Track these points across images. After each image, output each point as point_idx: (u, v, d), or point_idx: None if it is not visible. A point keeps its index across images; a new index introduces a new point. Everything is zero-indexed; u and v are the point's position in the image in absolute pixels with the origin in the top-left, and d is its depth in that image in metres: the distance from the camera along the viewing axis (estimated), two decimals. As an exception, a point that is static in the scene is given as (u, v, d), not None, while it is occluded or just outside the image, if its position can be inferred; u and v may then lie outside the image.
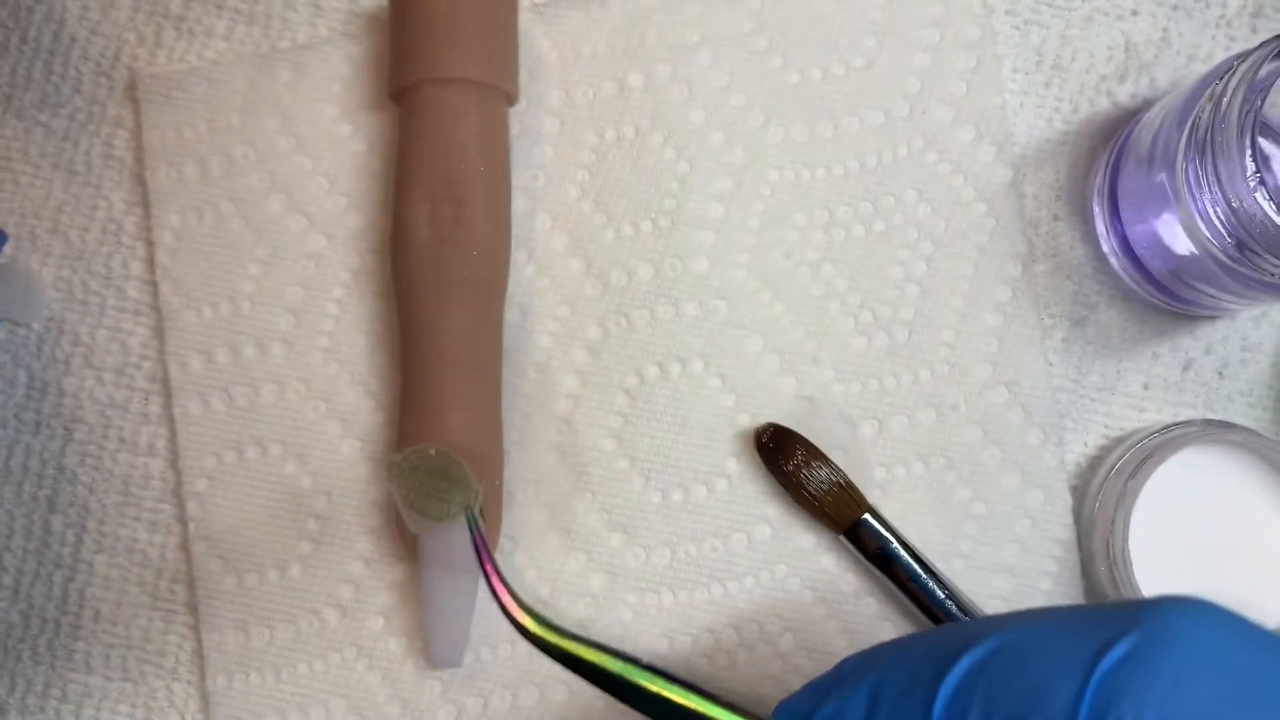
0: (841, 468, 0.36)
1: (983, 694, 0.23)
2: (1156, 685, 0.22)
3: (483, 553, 0.26)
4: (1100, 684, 0.22)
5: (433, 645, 0.35)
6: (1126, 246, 0.36)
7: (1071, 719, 0.22)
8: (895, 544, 0.36)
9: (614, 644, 0.36)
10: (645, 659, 0.26)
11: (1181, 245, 0.33)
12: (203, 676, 0.37)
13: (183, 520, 0.37)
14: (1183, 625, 0.23)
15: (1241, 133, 0.30)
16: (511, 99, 0.36)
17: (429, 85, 0.35)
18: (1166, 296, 0.36)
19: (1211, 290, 0.34)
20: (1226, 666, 0.22)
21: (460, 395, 0.35)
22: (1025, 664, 0.23)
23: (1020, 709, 0.23)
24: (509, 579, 0.37)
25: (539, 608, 0.37)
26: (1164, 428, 0.36)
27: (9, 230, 0.38)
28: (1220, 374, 0.38)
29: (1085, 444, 0.37)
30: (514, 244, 0.38)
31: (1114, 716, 0.22)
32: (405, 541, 0.34)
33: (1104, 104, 0.38)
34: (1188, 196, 0.32)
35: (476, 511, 0.27)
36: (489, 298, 0.36)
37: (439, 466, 0.28)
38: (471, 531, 0.26)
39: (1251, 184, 0.30)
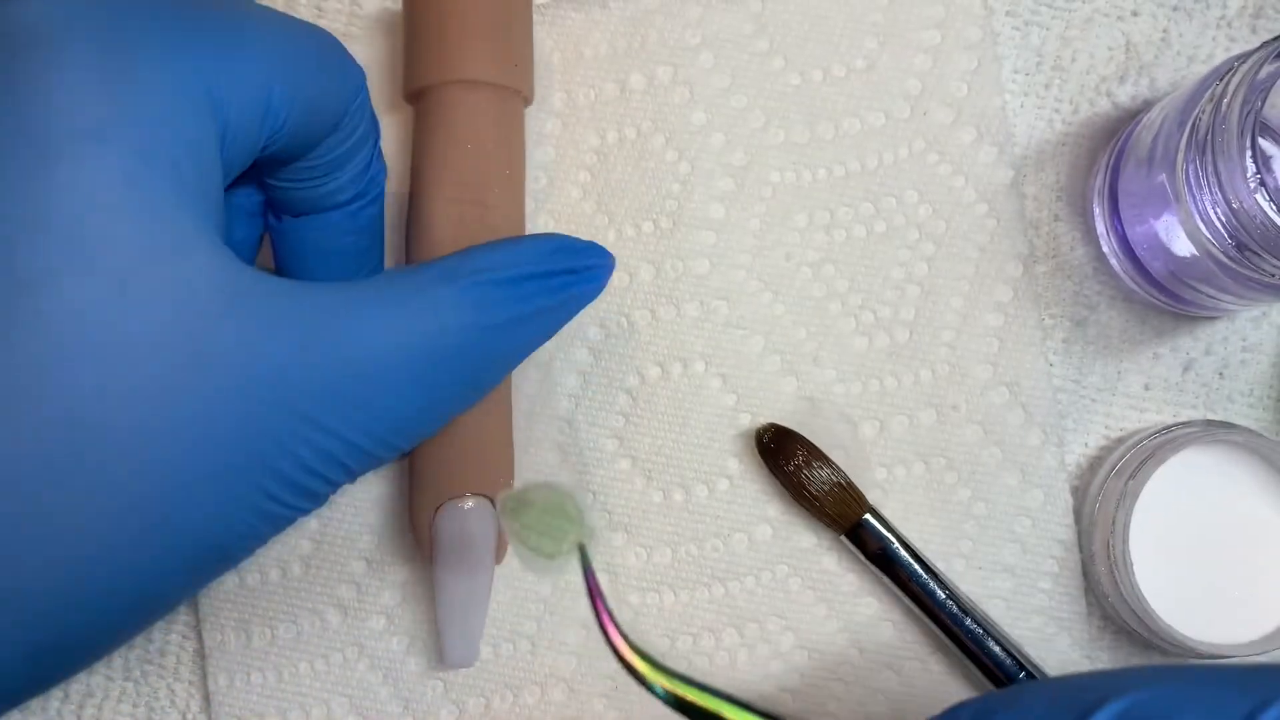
0: (842, 468, 0.36)
1: None
2: None
3: (595, 593, 0.26)
4: None
5: (447, 645, 0.34)
6: (1127, 247, 0.36)
7: None
8: (896, 544, 0.36)
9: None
10: (760, 704, 0.26)
11: (1182, 246, 0.33)
12: (204, 676, 0.37)
13: (185, 520, 0.37)
14: None
15: (1242, 133, 0.30)
16: (528, 101, 0.36)
17: (453, 87, 0.34)
18: (1167, 297, 0.36)
19: (1212, 291, 0.34)
20: None
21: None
22: (1172, 716, 0.22)
23: None
24: (506, 578, 0.37)
25: (539, 607, 0.37)
26: (1164, 428, 0.36)
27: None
28: (1221, 374, 0.38)
29: (1086, 444, 0.37)
30: (516, 245, 0.38)
31: None
32: (419, 540, 0.34)
33: (1104, 105, 0.38)
34: (1188, 197, 0.32)
35: (590, 548, 0.27)
36: None
37: (554, 503, 0.27)
38: (584, 571, 0.26)
39: (1252, 185, 0.30)
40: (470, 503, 0.33)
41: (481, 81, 0.34)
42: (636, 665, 0.25)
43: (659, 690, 0.25)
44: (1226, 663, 0.24)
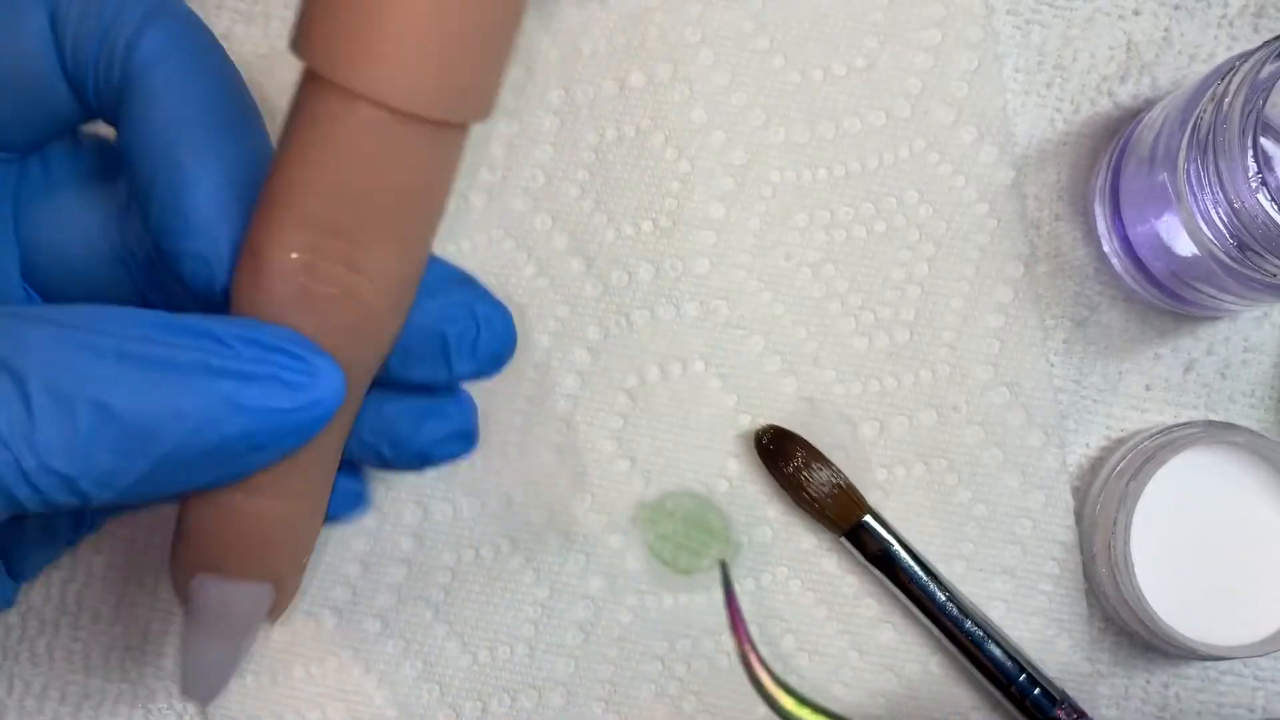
0: (842, 469, 0.36)
1: None
2: None
3: (736, 617, 0.24)
4: None
5: (185, 681, 0.28)
6: (1128, 247, 0.36)
7: None
8: (896, 546, 0.36)
9: (615, 645, 0.37)
10: None
11: (1183, 246, 0.33)
12: (201, 678, 0.37)
13: (181, 521, 0.37)
14: None
15: (1243, 133, 0.30)
16: (482, 119, 0.25)
17: (352, 101, 0.23)
18: (1168, 297, 0.36)
19: (1213, 291, 0.34)
20: None
21: (284, 484, 0.26)
22: None
23: None
24: (504, 579, 0.37)
25: (537, 610, 0.37)
26: (1165, 429, 0.36)
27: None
28: (1222, 375, 0.37)
29: (1087, 445, 0.37)
30: (513, 243, 0.38)
31: None
32: (174, 587, 0.27)
33: (1105, 104, 0.38)
34: (1189, 197, 0.31)
35: (732, 567, 0.25)
36: (355, 384, 0.25)
37: (696, 515, 0.25)
38: (725, 589, 0.24)
39: (1253, 184, 0.30)
40: (240, 585, 0.26)
41: (403, 112, 0.23)
42: (780, 699, 0.23)
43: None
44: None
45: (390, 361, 0.27)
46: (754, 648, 0.23)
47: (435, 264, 0.28)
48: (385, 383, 0.28)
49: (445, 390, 0.30)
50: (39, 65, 0.26)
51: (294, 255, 0.24)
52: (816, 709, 0.24)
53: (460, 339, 0.28)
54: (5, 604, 0.29)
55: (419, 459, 0.30)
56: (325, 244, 0.24)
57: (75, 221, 0.28)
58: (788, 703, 0.24)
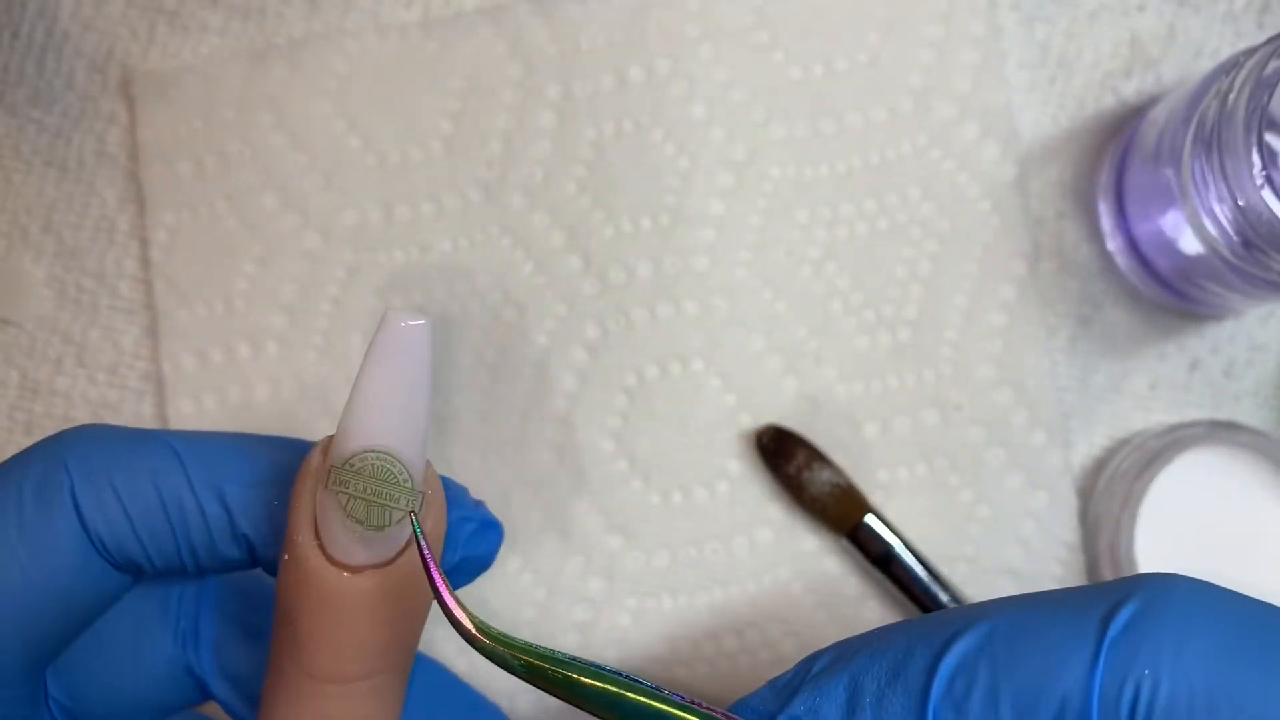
0: (844, 469, 0.36)
1: (986, 671, 0.23)
2: (1168, 639, 0.22)
3: (429, 560, 0.24)
4: (1113, 644, 0.22)
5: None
6: (1133, 245, 0.36)
7: (1088, 683, 0.22)
8: (898, 546, 0.35)
9: (614, 647, 0.36)
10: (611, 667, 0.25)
11: (1188, 243, 0.33)
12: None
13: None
14: (1178, 593, 0.23)
15: (1248, 129, 0.29)
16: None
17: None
18: (1173, 295, 0.36)
19: (1218, 289, 0.34)
20: (1231, 616, 0.22)
21: None
22: (1030, 638, 0.23)
23: (1030, 681, 0.22)
24: (501, 580, 0.36)
25: (535, 611, 0.36)
26: (1170, 428, 0.36)
27: (1, 229, 0.38)
28: (1227, 374, 0.37)
29: (1091, 444, 0.37)
30: (511, 241, 0.37)
31: (1133, 675, 0.22)
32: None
33: (1110, 100, 0.38)
34: (1194, 194, 0.31)
35: (420, 514, 0.25)
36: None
37: (383, 470, 0.25)
38: (416, 538, 0.25)
39: (1258, 181, 0.30)
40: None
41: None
42: (481, 639, 0.23)
43: (515, 663, 0.24)
44: (1069, 588, 0.25)
45: None
46: (450, 590, 0.23)
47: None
48: None
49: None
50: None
51: None
52: (516, 644, 0.23)
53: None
54: None
55: (459, 568, 0.29)
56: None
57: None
58: (485, 639, 0.23)
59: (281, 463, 0.26)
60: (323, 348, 0.37)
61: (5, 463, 0.25)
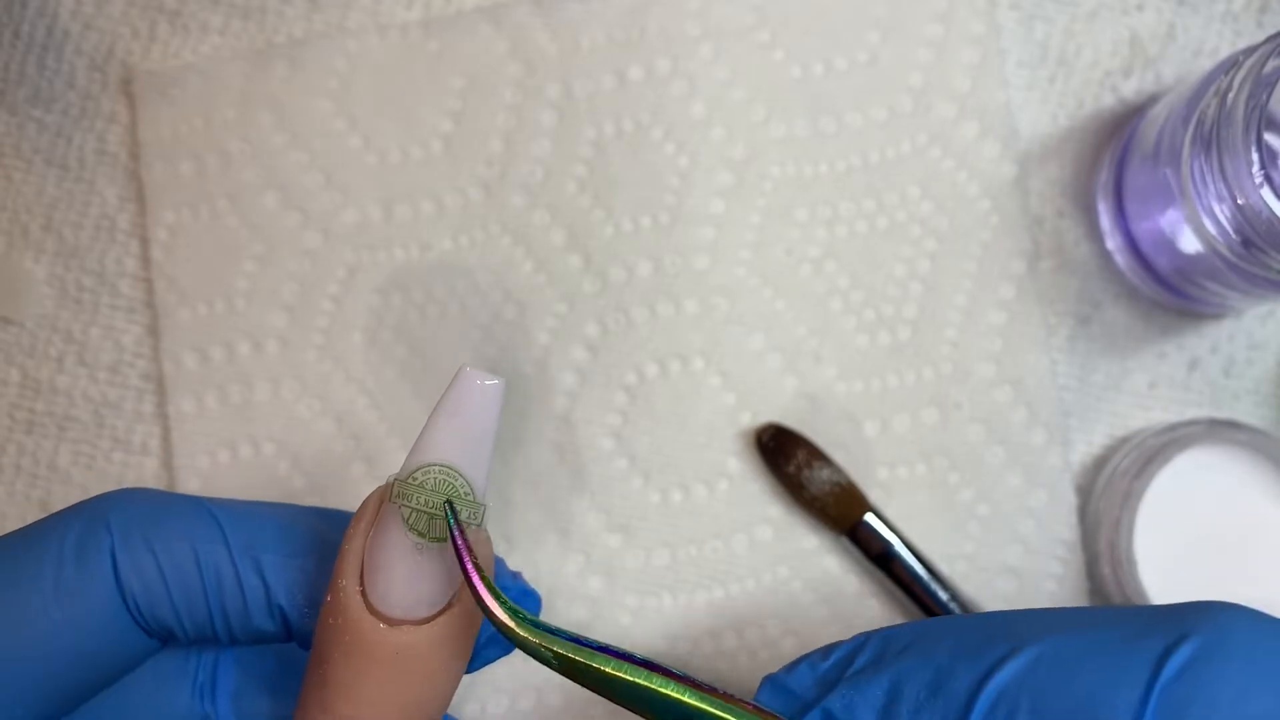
0: (843, 467, 0.36)
1: (1028, 702, 0.22)
2: (1226, 691, 0.21)
3: (462, 550, 0.24)
4: (1165, 690, 0.21)
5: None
6: (1132, 243, 0.36)
7: None
8: (898, 545, 0.35)
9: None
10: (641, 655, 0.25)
11: (1187, 242, 0.33)
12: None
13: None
14: (1240, 634, 0.22)
15: (1247, 129, 0.29)
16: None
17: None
18: (1172, 294, 0.36)
19: (1217, 288, 0.34)
20: None
21: None
22: (1076, 671, 0.22)
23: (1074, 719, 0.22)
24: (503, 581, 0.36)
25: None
26: (1169, 427, 0.36)
27: (1, 226, 0.38)
28: (1226, 373, 0.37)
29: (1090, 443, 0.37)
30: (511, 239, 0.37)
31: None
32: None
33: (1109, 99, 0.38)
34: (1193, 193, 0.31)
35: (474, 520, 0.25)
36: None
37: (446, 483, 0.25)
38: (451, 530, 0.25)
39: (1257, 180, 0.29)
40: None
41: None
42: (518, 631, 0.23)
43: (548, 656, 0.24)
44: (1121, 608, 0.24)
45: None
46: (483, 576, 0.23)
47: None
48: None
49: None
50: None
51: None
52: (550, 632, 0.23)
53: None
54: None
55: (495, 639, 0.28)
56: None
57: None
58: (525, 631, 0.23)
59: (321, 535, 0.26)
60: (323, 346, 0.37)
61: (48, 518, 0.25)
